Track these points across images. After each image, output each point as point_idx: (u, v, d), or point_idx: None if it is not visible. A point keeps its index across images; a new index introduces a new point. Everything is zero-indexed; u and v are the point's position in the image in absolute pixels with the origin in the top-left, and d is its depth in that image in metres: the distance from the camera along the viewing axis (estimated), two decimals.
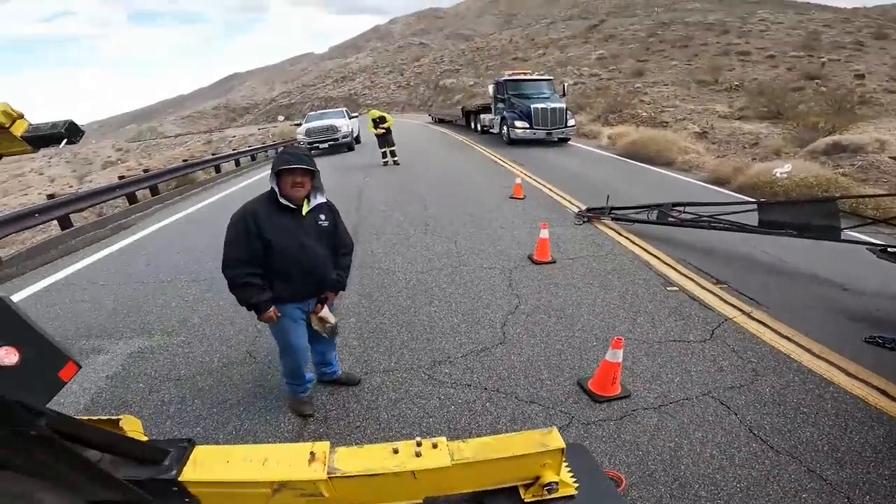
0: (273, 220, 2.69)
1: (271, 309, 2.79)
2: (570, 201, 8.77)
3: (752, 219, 5.60)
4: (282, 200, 2.70)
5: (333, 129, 19.05)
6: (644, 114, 22.10)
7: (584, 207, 7.89)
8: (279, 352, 3.14)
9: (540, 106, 16.56)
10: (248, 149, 22.53)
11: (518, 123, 16.79)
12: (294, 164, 2.60)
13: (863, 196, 5.63)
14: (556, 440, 2.08)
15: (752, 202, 5.98)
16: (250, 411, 3.29)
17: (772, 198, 7.71)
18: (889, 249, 4.40)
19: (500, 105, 18.48)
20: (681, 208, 6.57)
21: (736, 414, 3.06)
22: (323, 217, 2.94)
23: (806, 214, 5.23)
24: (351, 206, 8.93)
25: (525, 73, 20.11)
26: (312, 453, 2.01)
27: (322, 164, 17.19)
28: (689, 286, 5.02)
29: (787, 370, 3.53)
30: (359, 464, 2.00)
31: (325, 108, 26.25)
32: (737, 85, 27.50)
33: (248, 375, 3.75)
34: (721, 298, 4.71)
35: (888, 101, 20.93)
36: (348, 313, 4.69)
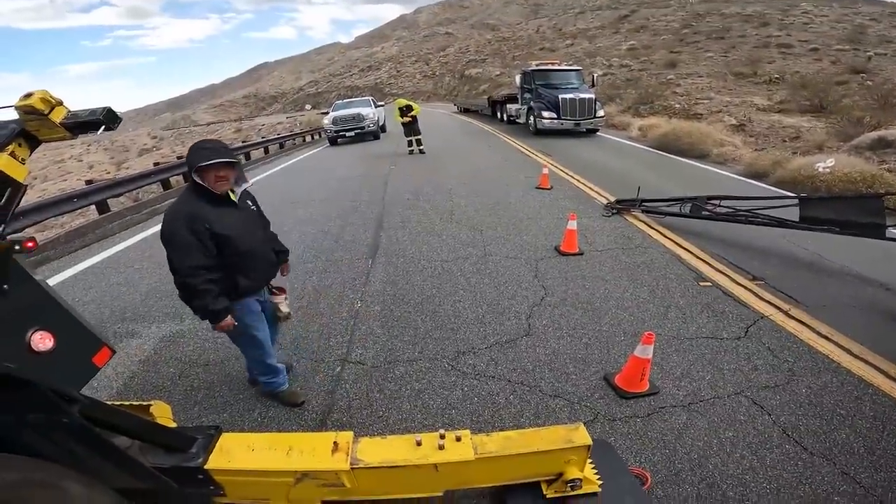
0: (220, 215, 2.55)
1: (229, 316, 2.68)
2: (598, 193, 8.59)
3: (792, 214, 5.37)
4: (217, 194, 2.56)
5: (360, 117, 19.12)
6: (677, 105, 21.43)
7: (613, 199, 7.71)
8: (246, 352, 3.06)
9: (568, 96, 16.23)
10: (276, 137, 22.87)
11: (545, 114, 16.52)
12: (215, 159, 2.45)
13: None
14: (582, 437, 2.03)
15: (792, 197, 5.72)
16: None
17: (813, 193, 7.37)
18: None
19: (528, 95, 18.20)
20: (716, 202, 6.33)
21: (770, 414, 2.97)
22: (249, 202, 2.87)
23: (849, 211, 4.98)
24: (377, 195, 8.93)
25: (553, 63, 19.72)
26: (336, 443, 2.01)
27: (348, 152, 17.43)
28: (724, 282, 4.85)
29: (824, 371, 3.39)
30: (381, 455, 1.99)
31: (351, 98, 26.39)
32: (777, 77, 26.39)
33: None
34: (757, 295, 4.54)
35: None
36: (374, 302, 4.71)
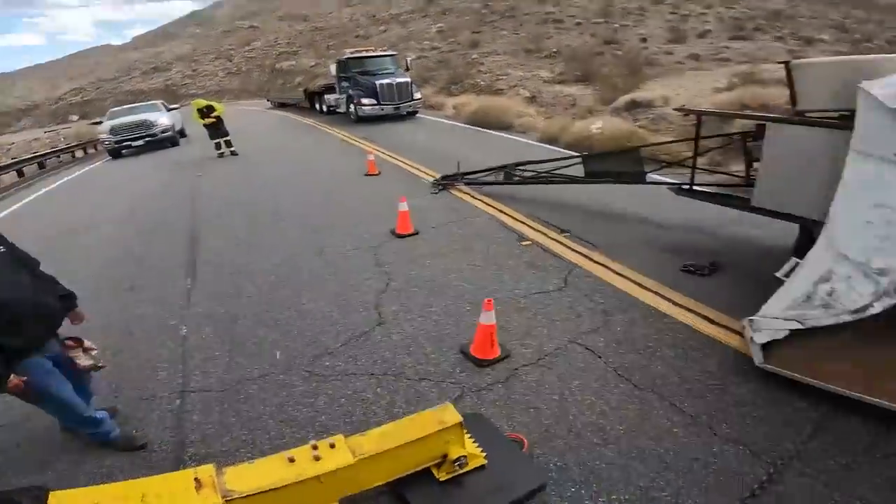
0: None
1: (12, 377, 2.28)
2: (424, 172, 8.94)
3: (580, 171, 6.32)
4: None
5: (148, 124, 16.52)
6: (482, 83, 23.31)
7: (438, 176, 8.10)
8: (50, 413, 2.69)
9: (385, 81, 16.43)
10: (33, 156, 18.38)
11: (365, 101, 16.48)
12: None
13: (658, 143, 6.76)
14: (452, 415, 2.09)
15: (577, 156, 6.75)
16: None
17: (591, 151, 8.78)
18: (683, 187, 5.33)
19: (345, 84, 17.90)
20: (522, 167, 7.13)
21: (600, 357, 3.31)
22: None
23: (619, 163, 6.09)
24: (184, 208, 7.86)
25: (368, 50, 19.63)
26: (198, 479, 1.79)
27: (140, 163, 15.04)
28: (541, 239, 5.51)
29: (629, 307, 3.99)
30: (255, 481, 1.83)
31: (134, 103, 22.54)
32: (555, 52, 30.31)
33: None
34: (567, 247, 5.25)
35: (666, 61, 25.02)
36: (202, 324, 4.20)
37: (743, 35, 28.89)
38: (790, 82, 4.31)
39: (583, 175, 6.33)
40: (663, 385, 3.03)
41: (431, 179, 8.15)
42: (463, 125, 14.95)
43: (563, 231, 5.72)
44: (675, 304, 4.04)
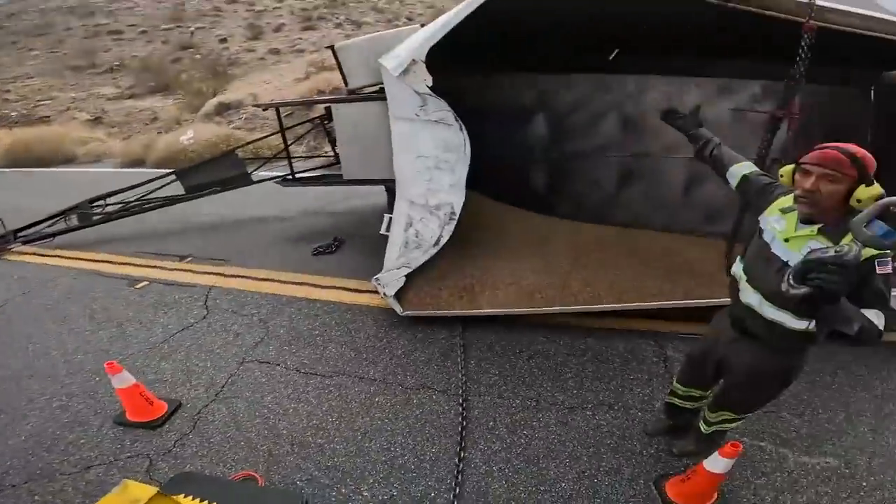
0: None
1: None
2: None
3: (181, 188, 5.60)
4: None
5: None
6: (14, 113, 17.61)
7: None
8: None
9: None
10: None
11: None
12: None
13: (252, 141, 6.60)
14: (141, 490, 1.74)
15: (170, 173, 5.87)
16: None
17: (189, 164, 7.94)
18: (287, 178, 5.38)
19: None
20: (102, 202, 5.74)
21: (278, 365, 3.23)
22: None
23: (219, 170, 5.65)
24: None
25: None
26: None
27: None
28: (159, 274, 4.66)
29: (283, 306, 3.90)
30: None
31: None
32: (118, 65, 25.88)
33: None
34: (194, 272, 4.64)
35: (248, 59, 25.06)
36: None
37: (311, 25, 31.72)
38: (338, 64, 4.81)
39: (184, 192, 5.60)
40: (345, 364, 3.23)
41: None
42: None
43: (183, 257, 5.00)
44: (320, 286, 4.21)
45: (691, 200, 4.57)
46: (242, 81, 17.42)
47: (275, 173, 5.98)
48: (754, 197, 1.90)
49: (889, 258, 1.49)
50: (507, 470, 2.42)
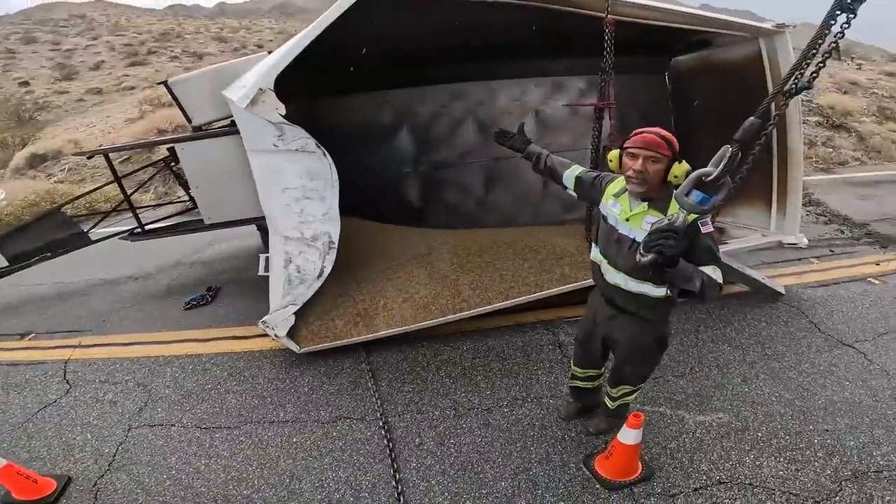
0: None
1: None
2: None
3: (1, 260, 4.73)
4: None
5: None
6: None
7: None
8: None
9: None
10: None
11: None
12: None
13: (81, 195, 5.72)
14: None
15: None
16: None
17: (6, 229, 6.65)
18: (135, 232, 4.76)
19: None
20: None
21: (173, 425, 2.97)
22: None
23: (45, 232, 4.82)
24: None
25: None
26: None
27: None
28: None
29: (162, 366, 3.54)
30: None
31: None
32: None
33: None
34: (42, 348, 4.01)
35: (63, 101, 21.73)
36: None
37: (140, 60, 28.52)
38: (176, 100, 4.39)
39: (6, 265, 4.69)
40: (251, 412, 3.04)
41: None
42: None
43: (23, 335, 4.25)
44: (201, 340, 3.87)
45: (549, 194, 5.03)
46: (58, 127, 15.09)
47: (119, 228, 5.27)
48: (589, 192, 2.15)
49: (708, 219, 1.81)
50: (445, 482, 2.43)
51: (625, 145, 1.87)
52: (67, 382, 3.48)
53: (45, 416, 3.15)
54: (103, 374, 3.54)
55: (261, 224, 4.24)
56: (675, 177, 1.77)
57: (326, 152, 3.15)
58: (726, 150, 1.52)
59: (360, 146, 4.81)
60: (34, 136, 13.37)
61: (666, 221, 1.59)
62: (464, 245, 3.96)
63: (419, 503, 2.33)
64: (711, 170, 1.54)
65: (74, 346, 3.94)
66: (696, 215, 1.65)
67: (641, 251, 1.62)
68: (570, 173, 2.20)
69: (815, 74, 2.76)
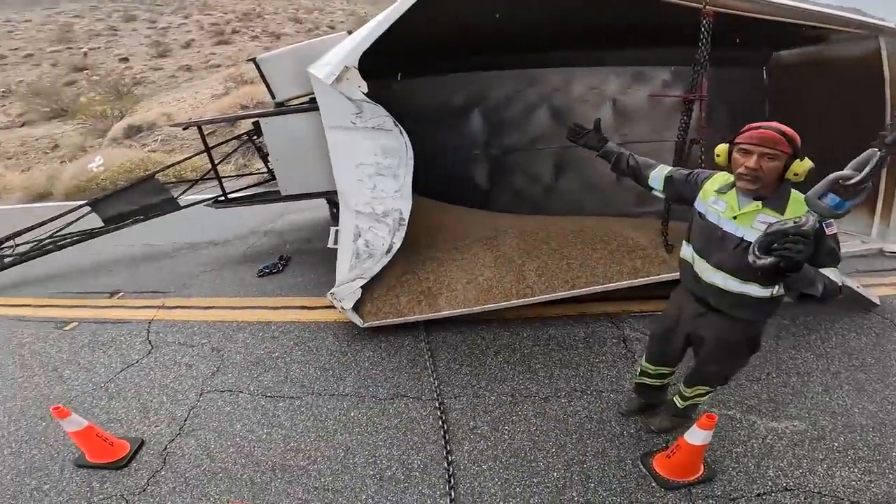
0: None
1: None
2: None
3: (98, 220, 5.15)
4: None
5: None
6: None
7: None
8: None
9: None
10: None
11: None
12: None
13: (174, 164, 6.18)
14: None
15: (83, 205, 5.38)
16: None
17: (102, 193, 7.33)
18: (219, 200, 5.10)
19: None
20: (11, 242, 5.17)
21: (241, 391, 3.09)
22: None
23: (139, 197, 5.25)
24: None
25: None
26: None
27: None
28: (88, 314, 4.29)
29: (235, 332, 3.72)
30: None
31: None
32: (5, 91, 23.43)
33: None
34: (129, 307, 4.34)
35: (157, 77, 23.50)
36: None
37: (225, 39, 30.25)
38: (263, 77, 4.62)
39: (102, 224, 5.16)
40: (313, 383, 3.14)
41: None
42: None
43: (112, 293, 4.64)
44: (272, 308, 4.06)
45: (623, 184, 4.83)
46: (153, 101, 16.35)
47: (203, 196, 5.65)
48: (684, 190, 2.03)
49: (833, 221, 1.68)
50: (496, 467, 2.44)
51: (736, 140, 1.75)
52: (150, 343, 3.75)
53: (127, 376, 3.39)
54: (182, 336, 3.80)
55: (331, 198, 4.40)
56: (796, 175, 1.66)
57: (403, 131, 3.19)
58: (873, 154, 1.39)
59: (432, 127, 4.83)
60: (131, 109, 14.54)
61: (791, 223, 1.47)
62: (531, 231, 3.89)
63: (469, 486, 2.34)
64: (852, 173, 1.41)
65: (158, 307, 4.26)
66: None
67: (757, 252, 1.51)
68: (658, 173, 2.10)
69: None
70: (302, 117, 4.06)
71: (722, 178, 1.90)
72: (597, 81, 4.98)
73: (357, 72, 3.02)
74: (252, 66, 4.71)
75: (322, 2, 46.35)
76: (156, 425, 2.90)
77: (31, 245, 5.15)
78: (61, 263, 5.34)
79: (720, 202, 1.86)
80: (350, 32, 4.47)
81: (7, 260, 5.09)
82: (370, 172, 3.28)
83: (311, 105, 3.97)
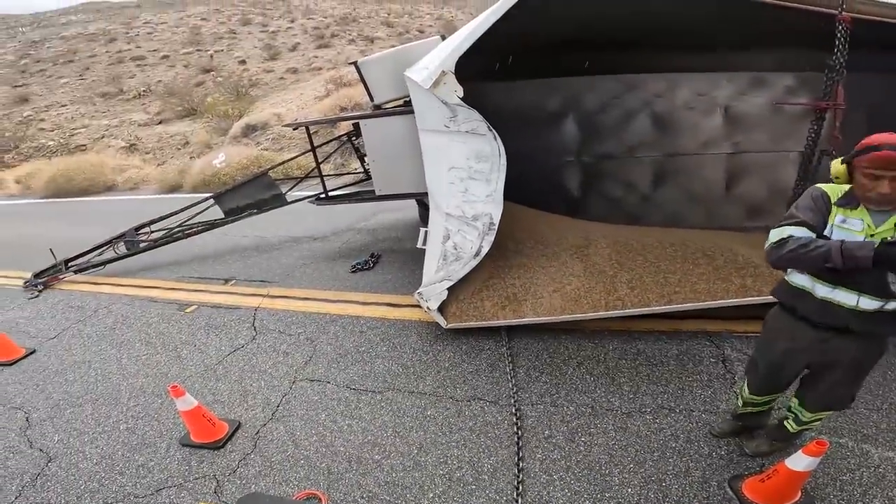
0: None
1: None
2: (5, 277, 6.37)
3: (219, 213, 5.75)
4: None
5: None
6: (51, 143, 18.43)
7: (29, 275, 5.90)
8: None
9: None
10: None
11: None
12: None
13: (284, 161, 6.74)
14: None
15: (208, 197, 6.06)
16: None
17: (223, 188, 8.17)
18: (320, 197, 5.48)
19: None
20: (147, 229, 5.96)
21: (328, 382, 3.27)
22: None
23: (254, 192, 5.79)
24: None
25: None
26: None
27: None
28: (206, 298, 4.79)
29: (327, 324, 3.97)
30: None
31: None
32: (145, 90, 26.89)
33: None
34: (239, 294, 4.77)
35: (268, 78, 25.70)
36: None
37: (325, 43, 32.34)
38: (363, 80, 4.87)
39: (223, 216, 5.78)
40: (394, 379, 3.24)
41: (22, 282, 5.89)
42: (41, 200, 11.47)
43: (226, 280, 5.14)
44: (361, 303, 4.27)
45: (731, 196, 4.45)
46: (265, 102, 17.86)
47: (306, 192, 6.11)
48: (818, 220, 1.77)
49: None
50: (568, 478, 2.39)
51: (859, 163, 1.62)
52: (255, 329, 4.08)
53: (233, 359, 3.67)
54: (282, 324, 4.09)
55: (422, 199, 4.53)
56: None
57: (497, 136, 3.21)
58: None
59: (523, 132, 4.80)
60: (248, 109, 16.04)
61: None
62: (625, 241, 3.72)
63: (537, 494, 2.31)
64: None
65: (263, 296, 4.65)
66: None
67: None
68: (786, 229, 1.80)
69: None
70: (398, 120, 4.23)
71: (839, 189, 1.75)
72: (706, 87, 4.63)
73: (453, 76, 3.09)
74: (352, 68, 4.98)
75: (411, 6, 47.73)
76: (252, 409, 3.12)
77: (164, 233, 5.89)
78: (186, 251, 6.04)
79: (851, 221, 1.69)
80: (443, 37, 4.57)
81: (142, 245, 5.87)
82: (462, 176, 3.34)
83: (408, 108, 4.10)
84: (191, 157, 11.85)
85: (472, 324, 3.45)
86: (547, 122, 4.95)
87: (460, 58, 3.05)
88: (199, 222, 5.80)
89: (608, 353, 3.28)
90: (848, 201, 1.70)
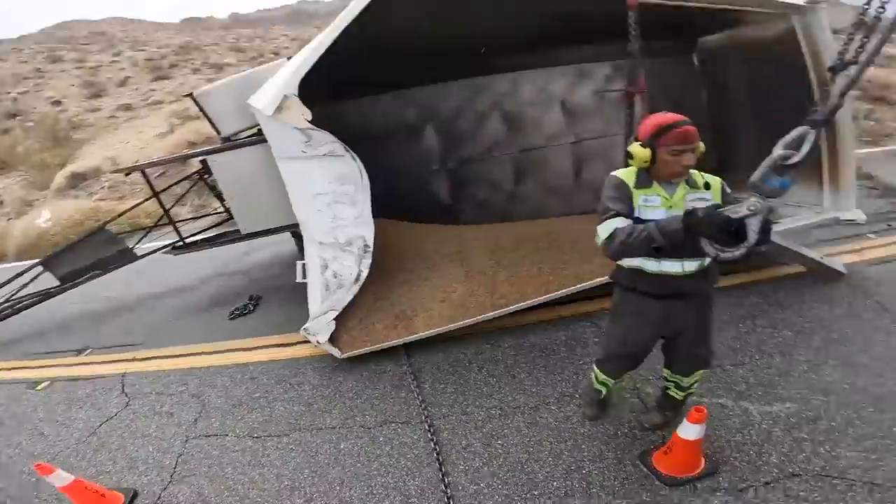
0: None
1: None
2: None
3: (53, 280, 4.95)
4: None
5: None
6: None
7: None
8: None
9: None
10: None
11: None
12: None
13: (123, 212, 5.87)
14: None
15: (35, 265, 5.10)
16: None
17: (55, 250, 6.97)
18: (176, 246, 4.89)
19: None
20: None
21: (227, 434, 3.02)
22: None
23: (93, 250, 5.02)
24: None
25: None
26: None
27: None
28: (59, 372, 4.16)
29: (211, 377, 3.64)
30: None
31: None
32: None
33: None
34: (101, 362, 4.22)
35: (95, 118, 22.54)
36: None
37: (164, 74, 29.24)
38: (203, 112, 4.46)
39: (58, 284, 4.91)
40: (298, 419, 3.05)
41: None
42: None
43: (80, 351, 4.48)
44: (247, 349, 3.96)
45: (581, 182, 4.90)
46: (94, 145, 15.64)
47: (160, 243, 5.44)
48: (628, 207, 1.91)
49: None
50: (495, 483, 2.41)
51: (665, 142, 1.77)
52: (126, 395, 3.62)
53: (108, 428, 3.27)
54: (159, 385, 3.67)
55: (295, 231, 4.28)
56: (702, 153, 1.82)
57: (355, 156, 3.14)
58: (806, 132, 1.42)
59: (385, 146, 4.80)
60: (72, 156, 13.92)
61: (743, 213, 1.54)
62: (497, 240, 3.90)
63: None
64: (790, 153, 1.46)
65: (129, 360, 4.10)
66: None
67: (719, 247, 1.63)
68: (610, 224, 1.89)
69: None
70: (250, 151, 3.94)
71: (631, 173, 1.93)
72: (543, 83, 5.03)
73: (297, 100, 2.96)
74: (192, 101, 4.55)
75: (263, 30, 45.66)
76: (146, 475, 2.81)
77: None
78: (23, 326, 5.07)
79: (653, 198, 1.88)
80: (290, 58, 4.37)
81: None
82: (328, 201, 3.21)
83: (259, 137, 3.84)
84: (8, 220, 9.91)
85: (368, 349, 3.35)
86: (408, 133, 5.00)
87: (314, 77, 2.92)
88: (31, 294, 4.90)
89: (504, 350, 3.39)
90: (643, 182, 1.87)
